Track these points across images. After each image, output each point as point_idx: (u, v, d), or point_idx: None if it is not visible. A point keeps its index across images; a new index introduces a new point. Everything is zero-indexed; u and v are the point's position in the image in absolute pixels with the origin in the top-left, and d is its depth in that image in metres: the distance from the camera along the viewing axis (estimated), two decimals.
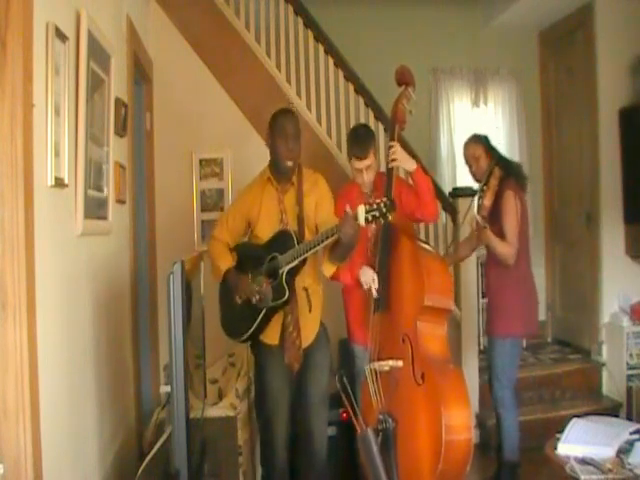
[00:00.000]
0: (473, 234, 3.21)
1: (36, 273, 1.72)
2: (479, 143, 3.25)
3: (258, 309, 2.67)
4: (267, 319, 2.71)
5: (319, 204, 2.76)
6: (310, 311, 2.74)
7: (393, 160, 2.88)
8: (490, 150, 3.23)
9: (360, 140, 2.97)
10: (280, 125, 2.72)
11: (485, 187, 3.07)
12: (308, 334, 2.76)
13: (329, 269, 2.70)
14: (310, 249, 2.54)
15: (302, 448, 2.88)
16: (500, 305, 3.19)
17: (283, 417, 2.80)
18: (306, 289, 2.74)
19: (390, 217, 2.34)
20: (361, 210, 2.29)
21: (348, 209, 2.37)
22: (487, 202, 3.00)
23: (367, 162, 2.93)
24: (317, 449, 2.81)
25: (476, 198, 3.22)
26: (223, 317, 2.85)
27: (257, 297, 2.63)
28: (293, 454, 2.96)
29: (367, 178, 2.96)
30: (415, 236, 2.95)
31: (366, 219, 2.29)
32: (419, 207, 2.95)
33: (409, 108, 2.94)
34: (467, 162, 3.29)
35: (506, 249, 3.05)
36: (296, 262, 2.57)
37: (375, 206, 2.29)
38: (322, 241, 2.49)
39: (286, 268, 2.59)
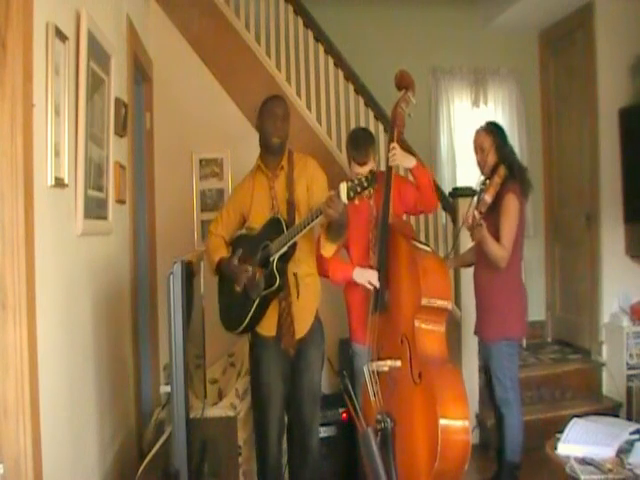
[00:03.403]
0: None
1: (36, 273, 1.72)
2: (489, 135, 3.18)
3: (252, 299, 2.68)
4: (262, 309, 2.72)
5: (310, 186, 2.78)
6: (298, 297, 2.73)
7: (392, 156, 2.91)
8: (500, 146, 3.15)
9: (359, 146, 2.97)
10: (269, 107, 2.77)
11: (487, 182, 3.03)
12: (301, 324, 2.76)
13: (329, 250, 2.69)
14: (298, 233, 2.55)
15: (295, 442, 2.89)
16: (491, 308, 3.16)
17: (276, 409, 2.81)
18: (295, 275, 2.74)
19: (372, 189, 2.37)
20: (343, 187, 2.31)
21: (331, 192, 2.39)
22: (488, 198, 2.89)
23: (367, 168, 2.93)
24: (310, 444, 2.82)
25: (477, 190, 3.21)
26: (221, 310, 2.87)
27: (249, 273, 2.64)
28: (289, 449, 2.97)
29: None
30: (412, 237, 2.95)
31: (348, 195, 2.30)
32: (420, 200, 3.01)
33: (408, 112, 2.96)
34: (474, 150, 3.26)
35: (499, 252, 2.99)
36: (285, 248, 2.59)
37: (357, 182, 2.31)
38: (308, 224, 2.50)
39: (276, 255, 2.61)
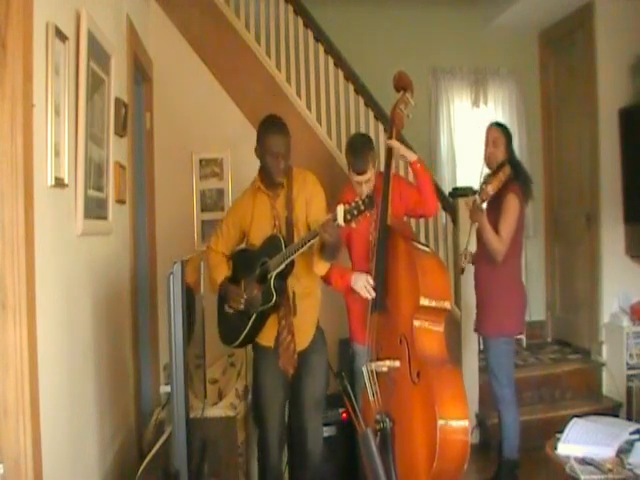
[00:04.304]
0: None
1: (36, 273, 1.72)
2: (503, 133, 3.24)
3: (249, 314, 2.69)
4: (259, 324, 2.73)
5: (309, 203, 2.77)
6: (295, 315, 2.73)
7: (393, 146, 2.91)
8: (509, 147, 3.22)
9: (358, 155, 2.93)
10: (270, 144, 2.68)
11: (492, 176, 3.11)
12: (302, 338, 2.76)
13: (322, 268, 2.70)
14: (295, 252, 2.56)
15: (297, 449, 2.89)
16: (490, 305, 3.20)
17: (276, 417, 2.82)
18: (293, 292, 2.73)
19: (368, 213, 2.37)
20: (340, 210, 2.31)
21: (328, 215, 2.40)
22: (490, 189, 3.03)
23: (367, 177, 2.93)
24: (311, 451, 2.81)
25: (480, 182, 3.23)
26: (219, 325, 2.87)
27: (242, 304, 2.66)
28: (290, 454, 2.97)
29: (366, 189, 2.95)
30: (411, 237, 2.96)
31: (345, 218, 2.31)
32: (420, 202, 2.99)
33: (407, 113, 2.97)
34: (485, 143, 3.28)
35: (497, 244, 3.06)
36: (283, 266, 2.60)
37: (354, 204, 2.32)
38: (305, 243, 2.51)
39: (274, 272, 2.62)
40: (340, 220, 2.31)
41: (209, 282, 2.84)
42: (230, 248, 2.89)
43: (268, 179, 2.76)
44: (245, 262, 2.78)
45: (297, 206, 2.76)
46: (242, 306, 2.66)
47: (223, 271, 2.83)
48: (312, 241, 2.49)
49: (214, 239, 2.92)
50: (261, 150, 2.73)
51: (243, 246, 2.90)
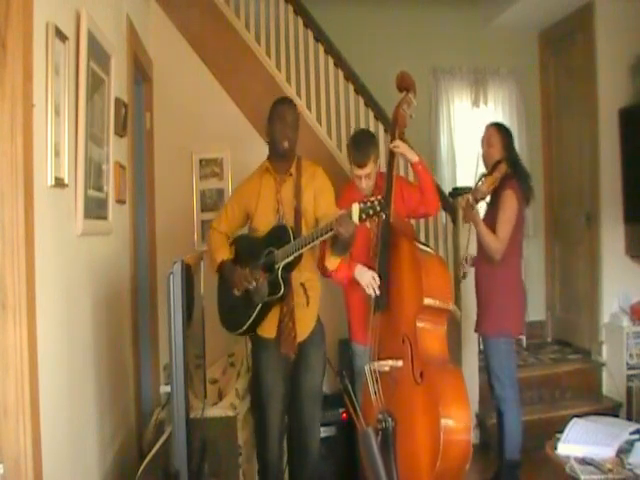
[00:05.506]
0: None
1: (36, 273, 1.72)
2: (499, 133, 3.24)
3: (254, 303, 2.68)
4: (263, 313, 2.72)
5: (317, 196, 2.77)
6: (308, 305, 2.75)
7: (395, 147, 2.92)
8: (506, 146, 3.22)
9: (360, 148, 2.97)
10: (279, 111, 2.76)
11: (487, 175, 3.12)
12: (303, 328, 2.77)
13: (333, 263, 2.71)
14: (305, 245, 2.55)
15: (295, 443, 2.90)
16: (491, 305, 3.19)
17: (276, 410, 2.82)
18: (303, 284, 2.75)
19: (384, 215, 2.35)
20: (355, 208, 2.31)
21: (343, 210, 2.40)
22: (484, 188, 3.06)
23: (367, 170, 2.94)
24: (309, 445, 2.83)
25: (475, 181, 3.24)
26: (221, 310, 2.86)
27: (253, 285, 2.65)
28: (289, 449, 2.98)
29: (366, 185, 2.98)
30: (414, 237, 2.96)
31: (360, 217, 2.31)
32: (422, 202, 3.01)
33: (409, 113, 2.97)
34: (481, 143, 3.29)
35: (494, 243, 3.05)
36: (291, 258, 2.59)
37: (369, 204, 2.31)
38: (317, 237, 2.51)
39: (282, 263, 2.61)
40: (355, 218, 2.31)
41: (210, 262, 2.84)
42: (233, 229, 2.90)
43: (274, 147, 2.77)
44: (249, 249, 2.77)
45: (305, 197, 2.76)
46: (252, 285, 2.65)
47: (224, 252, 2.83)
48: (325, 236, 2.48)
49: (218, 219, 2.93)
50: (269, 121, 2.78)
51: (246, 232, 2.90)
